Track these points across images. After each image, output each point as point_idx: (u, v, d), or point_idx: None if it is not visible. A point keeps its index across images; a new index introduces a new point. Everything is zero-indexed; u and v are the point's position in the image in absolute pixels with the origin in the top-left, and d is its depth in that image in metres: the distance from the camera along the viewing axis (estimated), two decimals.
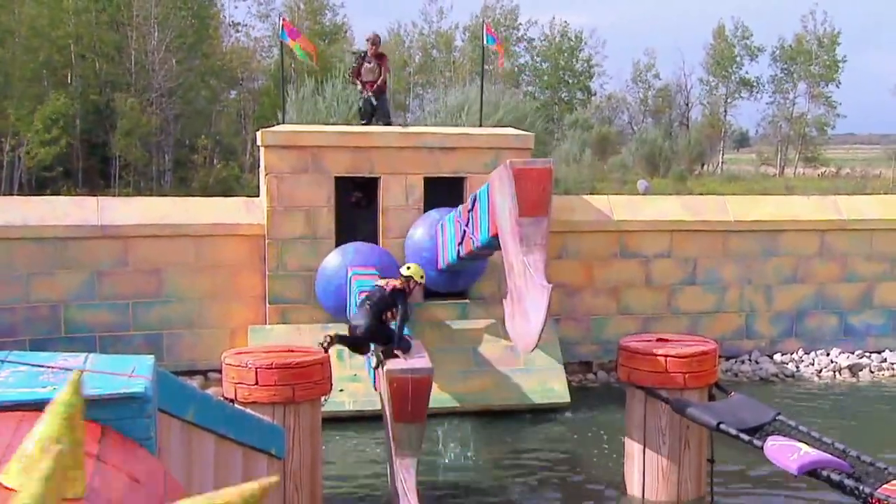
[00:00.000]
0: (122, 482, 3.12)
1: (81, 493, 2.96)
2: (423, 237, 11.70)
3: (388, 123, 13.06)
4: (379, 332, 8.18)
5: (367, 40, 13.23)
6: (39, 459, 2.53)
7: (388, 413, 7.77)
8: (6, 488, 2.86)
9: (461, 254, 10.51)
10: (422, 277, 8.83)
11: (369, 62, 12.87)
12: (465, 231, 10.19)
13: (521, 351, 8.78)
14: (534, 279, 8.07)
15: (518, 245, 8.35)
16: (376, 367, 8.18)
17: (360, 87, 13.09)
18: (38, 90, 29.53)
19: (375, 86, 12.89)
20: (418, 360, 7.81)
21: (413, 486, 7.44)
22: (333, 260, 11.67)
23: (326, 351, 8.28)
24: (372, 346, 8.37)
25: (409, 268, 8.83)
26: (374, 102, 12.92)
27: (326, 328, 11.77)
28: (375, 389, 8.81)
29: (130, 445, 3.58)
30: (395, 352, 7.95)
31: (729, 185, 37.16)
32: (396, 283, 8.53)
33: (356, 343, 8.48)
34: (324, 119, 21.90)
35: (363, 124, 13.00)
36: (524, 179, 8.40)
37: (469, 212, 10.09)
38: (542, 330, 7.98)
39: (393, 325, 8.19)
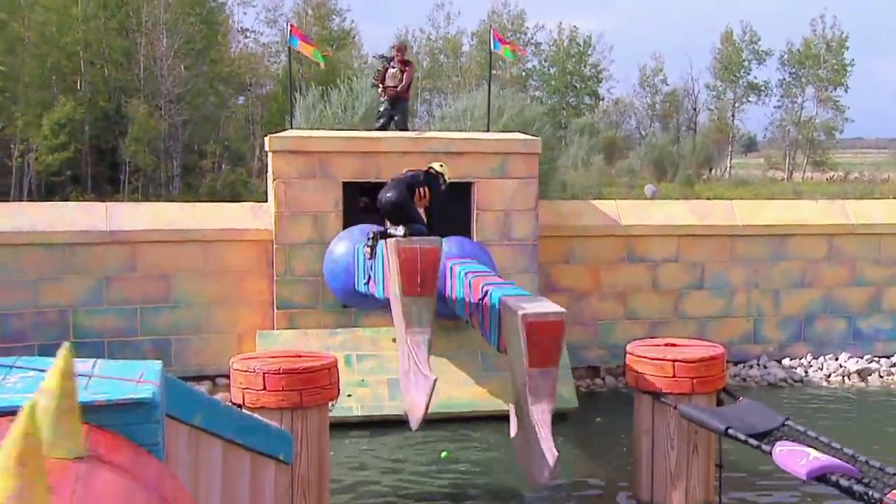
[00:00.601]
0: (109, 474, 3.12)
1: (83, 453, 3.04)
2: None
3: (404, 129, 13.06)
4: (403, 207, 8.17)
5: (393, 47, 13.22)
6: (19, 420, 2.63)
7: (397, 290, 7.75)
8: None
9: (469, 322, 10.37)
10: (449, 179, 8.96)
11: (393, 68, 12.88)
12: (473, 313, 9.99)
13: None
14: (541, 441, 8.01)
15: (527, 394, 8.30)
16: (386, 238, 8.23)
17: (380, 91, 13.10)
18: (47, 96, 29.66)
19: (396, 92, 12.87)
20: (426, 237, 8.14)
21: (425, 360, 7.41)
22: (340, 242, 11.62)
23: (373, 255, 8.38)
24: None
25: (441, 165, 8.89)
26: (392, 110, 12.90)
27: (335, 333, 11.81)
28: (384, 294, 8.76)
29: (117, 440, 3.58)
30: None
31: (737, 190, 37.17)
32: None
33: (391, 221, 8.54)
34: (330, 126, 21.91)
35: (378, 128, 13.00)
36: (536, 332, 8.25)
37: (480, 300, 9.85)
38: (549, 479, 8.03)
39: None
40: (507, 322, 8.64)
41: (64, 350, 3.04)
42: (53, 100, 29.50)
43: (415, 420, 7.67)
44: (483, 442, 10.50)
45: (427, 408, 7.56)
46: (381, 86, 13.07)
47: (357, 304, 11.74)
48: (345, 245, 11.51)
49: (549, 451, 7.84)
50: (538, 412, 8.07)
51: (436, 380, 7.35)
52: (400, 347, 8.16)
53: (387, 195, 8.29)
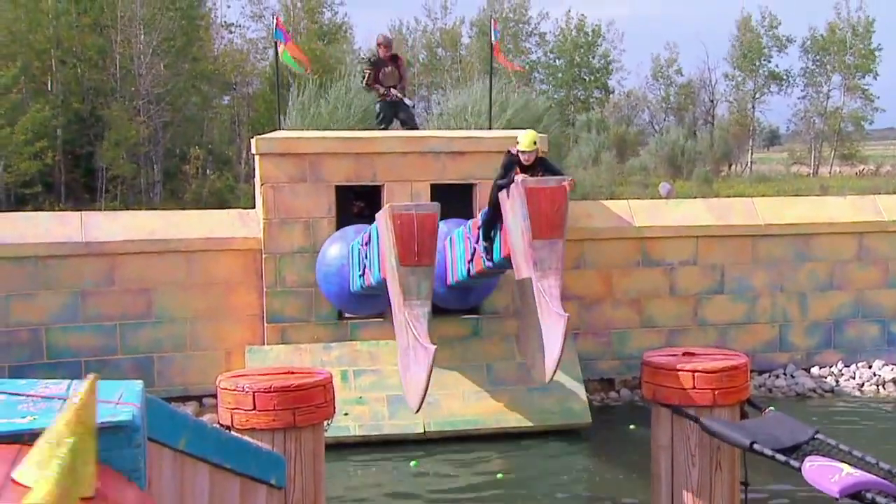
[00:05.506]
0: None
1: (91, 493, 3.03)
2: None
3: (415, 127, 13.04)
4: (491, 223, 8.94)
5: (379, 44, 13.17)
6: (51, 456, 2.60)
7: (393, 261, 7.80)
8: (21, 485, 2.91)
9: (471, 272, 10.50)
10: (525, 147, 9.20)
11: (387, 66, 12.84)
12: (475, 248, 10.17)
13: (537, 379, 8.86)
14: (549, 307, 8.03)
15: (531, 269, 8.32)
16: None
17: (381, 91, 12.99)
18: (16, 99, 29.62)
19: (398, 90, 12.85)
20: (423, 203, 8.15)
21: (425, 332, 7.45)
22: (333, 244, 11.61)
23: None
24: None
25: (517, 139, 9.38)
26: (398, 109, 12.89)
27: (330, 348, 11.81)
28: (381, 274, 8.92)
29: (113, 475, 3.58)
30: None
31: (758, 187, 37.09)
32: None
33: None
34: (326, 125, 21.88)
35: (382, 128, 12.99)
36: (537, 199, 8.32)
37: (479, 228, 10.08)
38: (560, 361, 8.01)
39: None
40: (508, 208, 8.79)
41: (89, 383, 3.07)
42: (23, 103, 29.49)
43: (416, 398, 7.67)
44: (488, 460, 10.49)
45: (428, 382, 7.57)
46: (375, 88, 13.03)
47: (352, 310, 11.77)
48: (338, 247, 11.53)
49: (559, 314, 7.83)
50: (545, 287, 8.07)
51: (436, 348, 7.37)
52: (397, 322, 8.18)
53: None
